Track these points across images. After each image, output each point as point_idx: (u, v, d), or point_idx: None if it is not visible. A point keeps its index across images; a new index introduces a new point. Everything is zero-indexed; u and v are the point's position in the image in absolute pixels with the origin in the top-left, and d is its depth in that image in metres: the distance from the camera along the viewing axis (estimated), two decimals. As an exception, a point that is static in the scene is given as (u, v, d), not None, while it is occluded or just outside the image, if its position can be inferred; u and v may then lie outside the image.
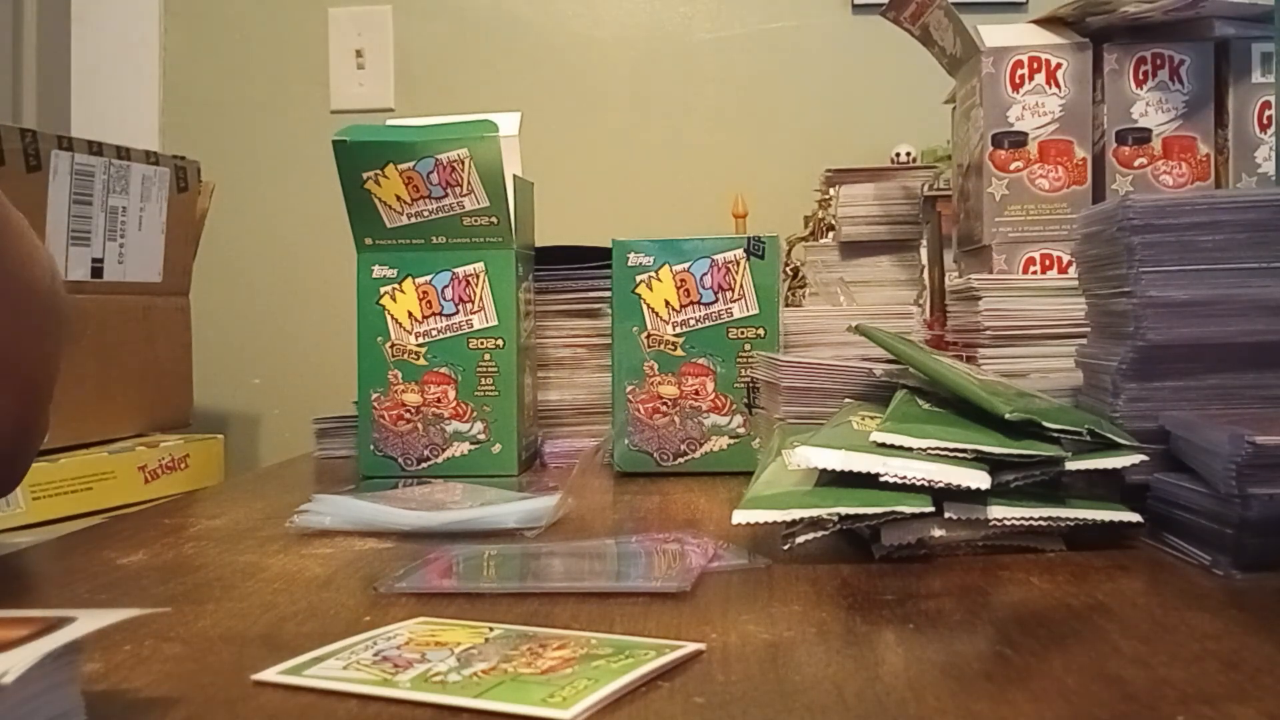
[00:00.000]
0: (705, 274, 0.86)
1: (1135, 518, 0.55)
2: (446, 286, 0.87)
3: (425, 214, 0.86)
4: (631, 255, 0.86)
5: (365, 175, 0.85)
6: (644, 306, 0.86)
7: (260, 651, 0.41)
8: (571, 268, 0.97)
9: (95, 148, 1.10)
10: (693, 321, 0.86)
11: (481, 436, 0.87)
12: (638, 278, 0.86)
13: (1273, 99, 0.85)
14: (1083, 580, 0.49)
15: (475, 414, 0.86)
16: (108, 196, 1.11)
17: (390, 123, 0.97)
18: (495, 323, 0.86)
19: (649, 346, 0.86)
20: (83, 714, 0.31)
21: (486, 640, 0.40)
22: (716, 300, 0.86)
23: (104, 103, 1.62)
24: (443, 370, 0.87)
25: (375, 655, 0.39)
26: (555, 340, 0.98)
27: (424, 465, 0.87)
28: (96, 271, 1.11)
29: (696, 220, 1.29)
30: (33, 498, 0.98)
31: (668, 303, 0.86)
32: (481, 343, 0.86)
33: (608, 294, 0.90)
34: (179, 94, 1.62)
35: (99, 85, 1.62)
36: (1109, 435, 0.55)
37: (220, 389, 1.52)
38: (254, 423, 1.57)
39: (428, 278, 0.87)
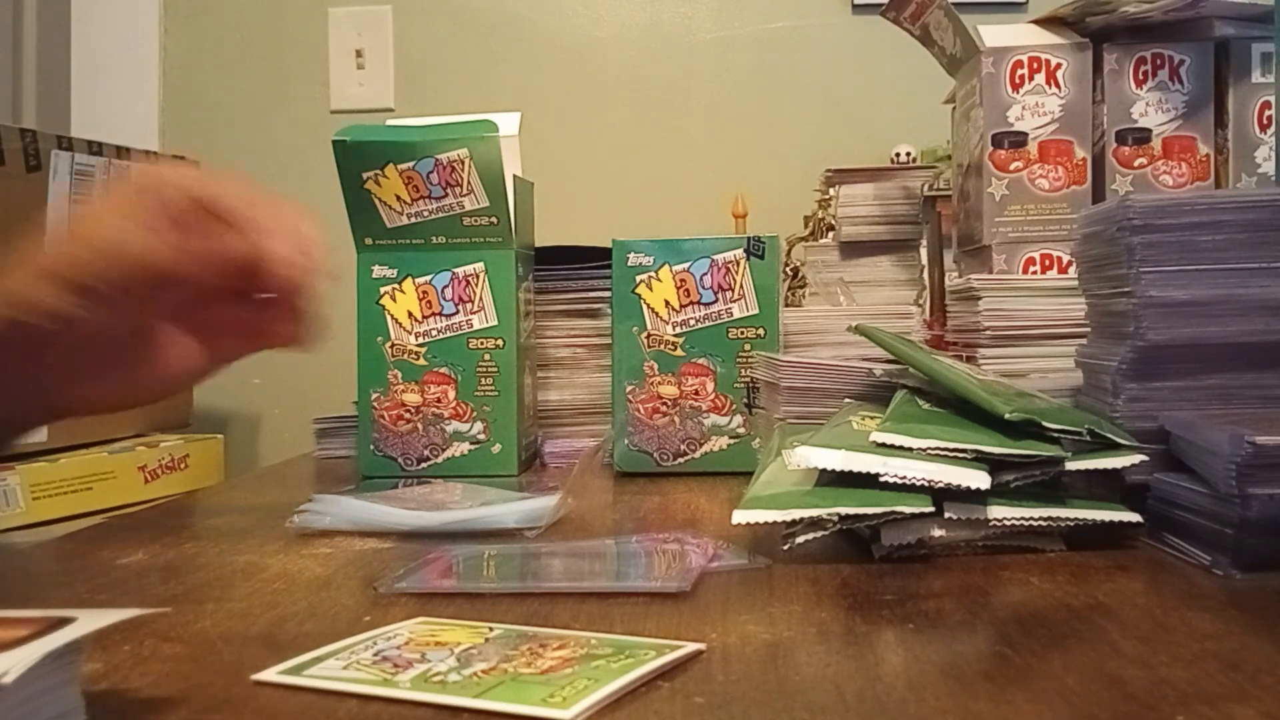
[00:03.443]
0: (705, 274, 0.85)
1: (1135, 518, 0.55)
2: (446, 286, 0.87)
3: (425, 214, 0.86)
4: (631, 255, 0.86)
5: (365, 175, 0.85)
6: (644, 306, 0.86)
7: (260, 651, 0.41)
8: (571, 268, 0.97)
9: (95, 148, 1.10)
10: (693, 321, 0.86)
11: (481, 436, 0.87)
12: (638, 278, 0.86)
13: (1273, 99, 0.85)
14: (1083, 580, 0.49)
15: (475, 414, 0.86)
16: (108, 196, 1.11)
17: (390, 123, 0.97)
18: (495, 323, 0.86)
19: (649, 346, 0.86)
20: (83, 714, 0.31)
21: (486, 640, 0.40)
22: (716, 300, 0.86)
23: (104, 103, 1.62)
24: (443, 370, 0.86)
25: (375, 655, 0.39)
26: (555, 340, 0.98)
27: (424, 465, 0.87)
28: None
29: (696, 220, 1.28)
30: (33, 498, 0.98)
31: (668, 303, 0.86)
32: (481, 343, 0.86)
33: (608, 294, 0.90)
34: (179, 94, 1.62)
35: (99, 85, 1.62)
36: (1109, 435, 0.55)
37: (220, 389, 1.52)
38: (254, 423, 1.57)
39: (428, 278, 0.87)
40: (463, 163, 0.84)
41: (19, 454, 1.01)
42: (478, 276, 0.86)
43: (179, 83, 1.62)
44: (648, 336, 0.86)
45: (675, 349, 0.86)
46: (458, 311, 0.87)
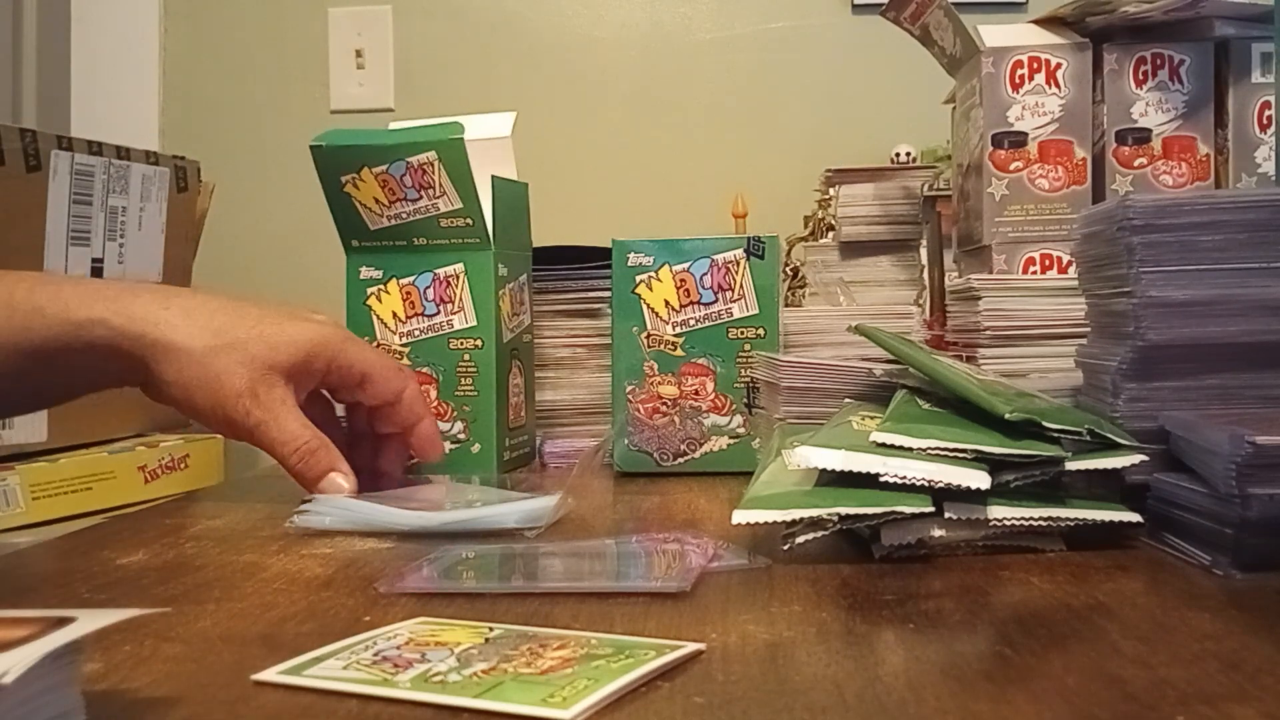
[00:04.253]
0: (705, 274, 0.86)
1: (1135, 518, 0.55)
2: (428, 287, 0.87)
3: (404, 216, 0.86)
4: (631, 255, 0.86)
5: (343, 179, 0.86)
6: (644, 306, 0.86)
7: (260, 651, 0.41)
8: (571, 268, 0.97)
9: (95, 148, 1.10)
10: (693, 321, 0.86)
11: (462, 436, 0.87)
12: (637, 278, 0.86)
13: (1273, 99, 0.85)
14: (1083, 580, 0.49)
15: (455, 414, 0.86)
16: (108, 196, 1.11)
17: (392, 124, 0.97)
18: (474, 323, 0.86)
19: (649, 346, 0.86)
20: (83, 714, 0.31)
21: (486, 640, 0.40)
22: (716, 300, 0.86)
23: (104, 103, 1.62)
24: (424, 370, 0.87)
25: (375, 655, 0.39)
26: (555, 340, 0.98)
27: (410, 462, 0.87)
28: (96, 271, 1.11)
29: (696, 220, 1.28)
30: (33, 498, 0.98)
31: (667, 303, 0.86)
32: (461, 343, 0.86)
33: (608, 294, 0.90)
34: (179, 94, 1.62)
35: (99, 85, 1.62)
36: (1109, 435, 0.55)
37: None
38: (254, 423, 1.56)
39: (411, 279, 0.87)
40: (432, 165, 0.84)
41: (19, 454, 1.01)
42: (458, 277, 0.86)
43: (179, 83, 1.62)
44: (648, 336, 0.86)
45: (675, 349, 0.86)
46: (439, 312, 0.87)
